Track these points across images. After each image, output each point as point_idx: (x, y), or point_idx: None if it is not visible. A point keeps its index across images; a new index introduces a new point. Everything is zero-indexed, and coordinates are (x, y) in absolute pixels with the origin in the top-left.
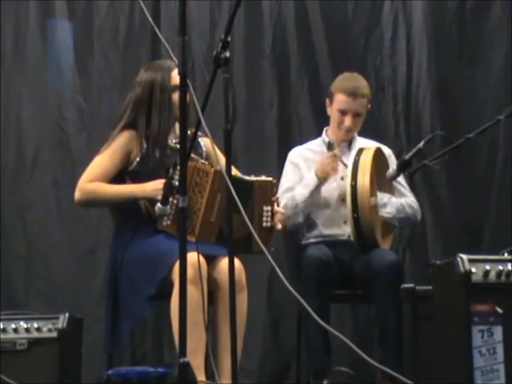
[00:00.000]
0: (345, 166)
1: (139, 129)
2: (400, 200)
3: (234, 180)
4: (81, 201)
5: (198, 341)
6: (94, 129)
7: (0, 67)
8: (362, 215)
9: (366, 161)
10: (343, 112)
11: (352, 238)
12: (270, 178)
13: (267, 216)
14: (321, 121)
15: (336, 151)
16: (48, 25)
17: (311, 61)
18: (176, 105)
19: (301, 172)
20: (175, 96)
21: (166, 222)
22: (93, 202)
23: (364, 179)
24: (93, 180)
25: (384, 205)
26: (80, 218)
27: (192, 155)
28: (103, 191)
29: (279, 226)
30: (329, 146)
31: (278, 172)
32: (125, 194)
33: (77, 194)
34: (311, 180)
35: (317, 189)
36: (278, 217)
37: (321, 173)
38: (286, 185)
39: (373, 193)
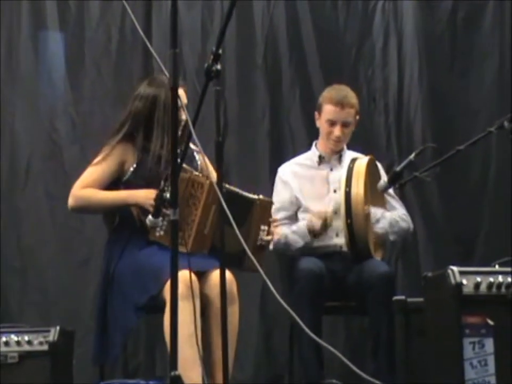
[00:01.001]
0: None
1: (136, 143)
2: (392, 214)
3: (236, 195)
4: (75, 207)
5: (193, 354)
6: (86, 141)
7: None
8: (356, 222)
9: (360, 169)
10: (331, 123)
11: (345, 246)
12: (270, 199)
13: (263, 235)
14: (314, 132)
15: (329, 219)
16: (40, 37)
17: (303, 72)
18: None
19: (292, 190)
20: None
21: (159, 232)
22: (86, 208)
23: (358, 186)
24: (87, 186)
25: (377, 221)
26: (74, 229)
27: (187, 166)
28: (95, 197)
29: (271, 247)
30: (321, 159)
31: (270, 183)
32: (117, 200)
33: (71, 201)
34: (305, 235)
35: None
36: (273, 238)
37: (312, 233)
38: (276, 205)
39: (367, 201)
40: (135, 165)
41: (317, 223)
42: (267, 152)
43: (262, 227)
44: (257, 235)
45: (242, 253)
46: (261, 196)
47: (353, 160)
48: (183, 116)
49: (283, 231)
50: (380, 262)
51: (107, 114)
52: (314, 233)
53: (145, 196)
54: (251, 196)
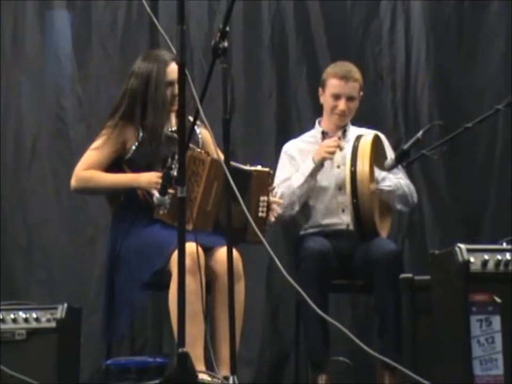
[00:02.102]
0: (341, 149)
1: (135, 121)
2: (397, 179)
3: (232, 169)
4: (77, 188)
5: (196, 331)
6: (92, 119)
7: None
8: (362, 201)
9: (365, 147)
10: (336, 97)
11: (351, 225)
12: (267, 169)
13: (263, 206)
14: (320, 111)
15: (342, 143)
16: (46, 16)
17: (309, 52)
18: (169, 100)
19: (297, 164)
20: (169, 90)
21: (163, 211)
22: (89, 190)
23: (363, 165)
24: (89, 167)
25: (383, 179)
26: (80, 208)
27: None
28: (98, 179)
29: (273, 218)
30: (324, 135)
31: (276, 162)
32: (120, 183)
33: (73, 181)
34: (307, 166)
35: (313, 174)
36: (274, 208)
37: (317, 155)
38: (282, 176)
39: (372, 179)
40: (136, 143)
41: (329, 142)
42: (274, 130)
43: (262, 198)
44: (257, 206)
45: (243, 225)
46: (258, 167)
47: (358, 138)
48: (177, 90)
49: (286, 185)
50: (387, 240)
51: (113, 92)
52: (319, 156)
53: (148, 179)
54: (247, 168)
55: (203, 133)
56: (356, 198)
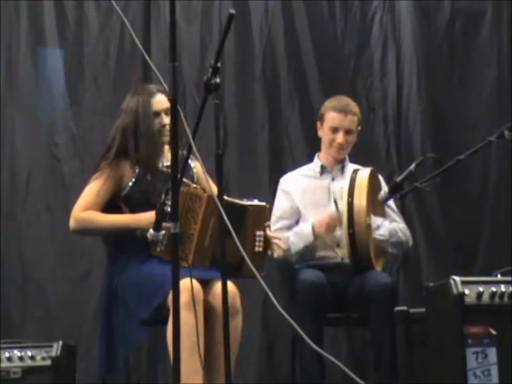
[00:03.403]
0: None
1: (130, 156)
2: (392, 224)
3: (228, 204)
4: (76, 230)
5: (194, 365)
6: (86, 155)
7: None
8: (358, 232)
9: (363, 179)
10: (334, 130)
11: (346, 258)
12: (263, 203)
13: (259, 241)
14: (313, 143)
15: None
16: (39, 53)
17: (301, 84)
18: (159, 130)
19: (293, 200)
20: (157, 121)
21: (160, 247)
22: (88, 231)
23: (361, 197)
24: (87, 208)
25: (378, 228)
26: (74, 242)
27: (184, 179)
28: (97, 221)
29: (279, 253)
30: (323, 169)
31: (270, 195)
32: (120, 224)
33: (72, 223)
34: (307, 235)
35: (312, 243)
36: (277, 243)
37: (318, 229)
38: (277, 214)
39: (368, 212)
40: (133, 179)
41: (329, 217)
42: (266, 164)
43: (258, 232)
44: (253, 241)
45: (240, 260)
46: (255, 201)
47: (356, 171)
48: (165, 120)
49: (285, 234)
50: (382, 273)
51: (106, 128)
52: (320, 229)
53: (148, 219)
54: (243, 203)
55: (197, 166)
56: (352, 229)
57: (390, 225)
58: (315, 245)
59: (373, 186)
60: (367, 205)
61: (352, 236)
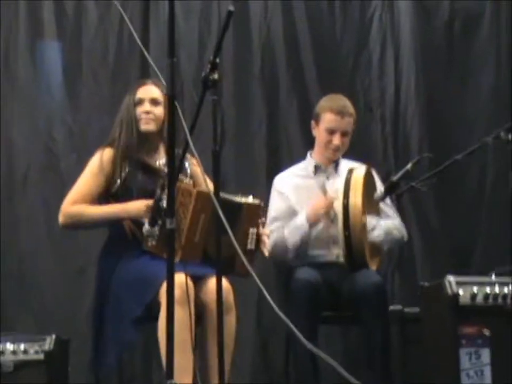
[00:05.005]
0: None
1: (114, 146)
2: (387, 223)
3: (222, 200)
4: (66, 225)
5: (186, 361)
6: (83, 150)
7: None
8: (353, 234)
9: (358, 180)
10: (331, 131)
11: (341, 257)
12: (258, 201)
13: (252, 239)
14: (311, 142)
15: (332, 198)
16: (37, 46)
17: (300, 82)
18: (139, 118)
19: (288, 200)
20: (139, 109)
21: (151, 242)
22: (78, 225)
23: (356, 198)
24: (76, 202)
25: (373, 229)
26: (70, 238)
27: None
28: (86, 213)
29: (267, 253)
30: (317, 169)
31: (266, 192)
32: (108, 215)
33: (61, 218)
34: (301, 226)
35: (307, 234)
36: (265, 241)
37: (313, 217)
38: (272, 215)
39: (364, 211)
40: (123, 175)
41: (322, 203)
42: (264, 161)
43: (251, 230)
44: (246, 239)
45: (231, 257)
46: (249, 198)
47: (351, 171)
48: (147, 107)
49: (279, 235)
50: (372, 272)
51: (104, 123)
52: (315, 218)
53: (137, 208)
54: (238, 200)
55: (191, 162)
56: (348, 231)
57: (384, 225)
58: (310, 238)
59: (368, 185)
60: (362, 204)
61: (348, 238)
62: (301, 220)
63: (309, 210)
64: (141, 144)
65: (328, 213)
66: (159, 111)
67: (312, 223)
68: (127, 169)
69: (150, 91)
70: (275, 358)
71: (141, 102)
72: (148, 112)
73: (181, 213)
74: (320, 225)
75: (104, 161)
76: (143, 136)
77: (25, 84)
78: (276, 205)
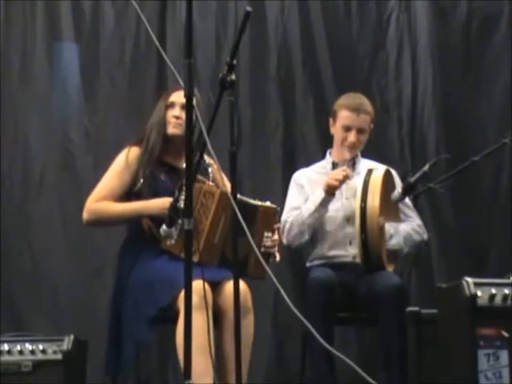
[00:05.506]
0: (349, 178)
1: (141, 145)
2: (406, 229)
3: (239, 202)
4: (90, 221)
5: (205, 365)
6: (99, 151)
7: (7, 88)
8: (371, 237)
9: (376, 182)
10: (347, 128)
11: (358, 259)
12: (275, 206)
13: (266, 242)
14: (327, 142)
15: (348, 171)
16: (54, 48)
17: (316, 83)
18: (168, 121)
19: (306, 193)
20: (169, 112)
21: (170, 241)
22: (101, 221)
23: (374, 201)
24: (100, 199)
25: (391, 237)
26: (86, 238)
27: (200, 176)
28: (110, 210)
29: (278, 257)
30: (334, 166)
31: (282, 194)
32: (132, 212)
33: (85, 215)
34: (318, 195)
35: (323, 203)
36: (278, 247)
37: (327, 186)
38: (291, 205)
39: (381, 213)
40: (147, 174)
41: (337, 172)
42: (280, 162)
43: (266, 233)
44: (260, 241)
45: (244, 260)
46: (267, 203)
47: (369, 172)
48: (177, 112)
49: (295, 218)
50: (392, 273)
51: (121, 124)
52: (329, 186)
53: (160, 206)
54: (255, 202)
55: (214, 171)
56: (365, 234)
57: (403, 231)
58: (325, 214)
59: (387, 186)
60: (380, 207)
61: (365, 241)
62: (317, 193)
63: (325, 180)
64: (167, 146)
65: (341, 180)
66: None
67: (328, 191)
68: (151, 169)
69: (183, 96)
70: (291, 358)
71: (172, 105)
72: (177, 117)
73: (201, 214)
74: (336, 224)
75: (129, 160)
76: (169, 139)
77: (42, 85)
78: (293, 196)
